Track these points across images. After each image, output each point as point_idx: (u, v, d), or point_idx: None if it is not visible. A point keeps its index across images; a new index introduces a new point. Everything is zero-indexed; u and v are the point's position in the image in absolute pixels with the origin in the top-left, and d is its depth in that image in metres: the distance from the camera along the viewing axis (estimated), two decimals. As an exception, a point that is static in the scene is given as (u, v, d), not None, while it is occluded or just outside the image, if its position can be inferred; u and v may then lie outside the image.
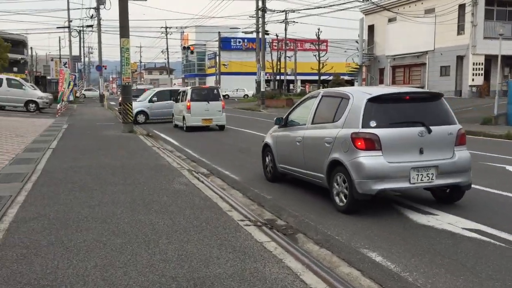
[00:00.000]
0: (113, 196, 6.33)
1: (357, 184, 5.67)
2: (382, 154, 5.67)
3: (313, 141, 6.68)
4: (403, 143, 5.79)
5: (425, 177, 5.76)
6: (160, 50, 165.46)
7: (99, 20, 39.27)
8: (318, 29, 54.20)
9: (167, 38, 74.10)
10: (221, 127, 18.10)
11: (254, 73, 69.67)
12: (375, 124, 5.75)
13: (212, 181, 8.06)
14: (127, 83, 16.14)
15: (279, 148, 7.86)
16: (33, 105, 26.05)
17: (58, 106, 26.38)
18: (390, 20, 36.76)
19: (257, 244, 4.45)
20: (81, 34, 50.84)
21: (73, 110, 31.09)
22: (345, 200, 5.91)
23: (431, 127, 5.80)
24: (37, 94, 26.83)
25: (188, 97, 17.45)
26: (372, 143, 5.67)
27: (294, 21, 58.08)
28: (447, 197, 6.38)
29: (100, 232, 4.70)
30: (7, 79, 26.29)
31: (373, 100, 5.89)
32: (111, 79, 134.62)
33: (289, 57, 60.65)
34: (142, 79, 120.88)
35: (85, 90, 60.83)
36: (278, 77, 57.28)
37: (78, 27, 51.92)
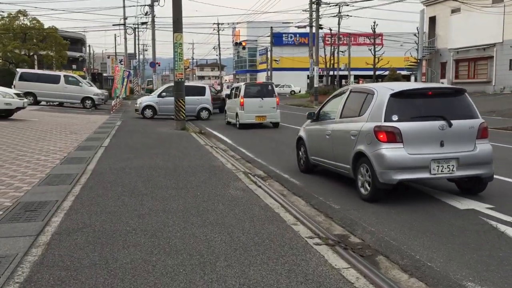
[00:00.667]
0: (164, 203, 5.75)
1: (378, 174, 5.98)
2: (403, 146, 5.95)
3: (341, 134, 7.05)
4: (424, 136, 6.03)
5: (445, 168, 5.99)
6: (211, 46, 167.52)
7: (153, 17, 39.62)
8: (374, 22, 52.30)
9: (218, 34, 74.35)
10: (275, 125, 17.39)
11: (305, 69, 68.69)
12: (397, 118, 6.05)
13: (270, 185, 7.35)
14: (179, 79, 15.74)
15: (311, 141, 8.26)
16: (89, 101, 26.44)
17: (113, 102, 26.66)
18: (453, 11, 34.56)
19: (333, 272, 3.67)
20: (136, 31, 51.73)
21: (127, 106, 31.43)
22: (368, 189, 6.24)
23: (452, 121, 6.03)
24: (93, 90, 27.26)
25: (242, 93, 16.84)
26: (394, 136, 5.97)
27: (347, 15, 56.40)
28: (470, 188, 6.55)
29: (150, 250, 4.09)
30: (64, 76, 26.85)
31: (395, 95, 6.18)
32: (163, 75, 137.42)
33: (342, 52, 58.93)
34: (194, 75, 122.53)
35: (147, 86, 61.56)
36: (331, 73, 55.72)
37: (133, 24, 52.89)
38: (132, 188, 6.53)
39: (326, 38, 61.19)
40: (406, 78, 46.67)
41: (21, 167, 7.89)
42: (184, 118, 15.73)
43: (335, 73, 56.20)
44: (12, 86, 24.51)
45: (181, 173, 7.72)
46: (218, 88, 31.35)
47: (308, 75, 68.59)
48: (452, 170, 6.02)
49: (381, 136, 6.03)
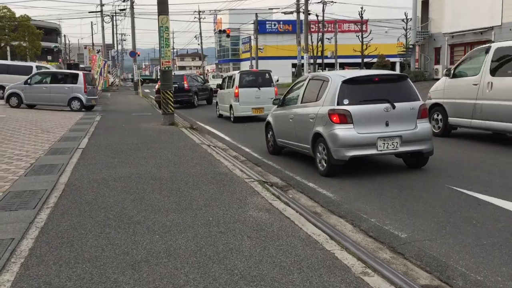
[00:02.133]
0: (166, 237, 4.09)
1: (333, 152, 6.73)
2: (353, 127, 6.68)
3: (301, 118, 7.74)
4: (371, 117, 6.74)
5: (390, 145, 6.75)
6: (192, 35, 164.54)
7: (132, 3, 37.33)
8: (361, 8, 50.81)
9: (200, 22, 72.13)
10: (273, 117, 15.73)
11: (290, 57, 67.14)
12: (348, 102, 6.78)
13: (297, 200, 5.75)
14: (166, 68, 13.93)
15: (277, 125, 8.90)
16: (65, 94, 24.31)
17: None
18: (447, -6, 33.17)
19: None
20: (114, 20, 49.22)
21: (107, 99, 29.38)
22: (325, 165, 6.98)
23: (395, 104, 6.76)
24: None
25: (236, 82, 15.10)
26: (345, 118, 6.69)
27: (332, 1, 54.93)
28: (414, 163, 7.35)
29: None
30: (37, 67, 24.66)
31: (347, 82, 6.92)
32: (144, 66, 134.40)
33: (328, 39, 57.36)
34: (175, 65, 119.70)
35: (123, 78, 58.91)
36: (318, 61, 54.12)
37: (110, 12, 50.35)
38: (119, 212, 4.85)
39: (311, 25, 59.54)
40: (399, 67, 45.54)
41: (-27, 182, 6.12)
42: (173, 112, 13.98)
43: (322, 61, 54.54)
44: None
45: (180, 185, 6.05)
46: (205, 77, 29.39)
47: (293, 64, 67.19)
48: (396, 147, 6.78)
49: (334, 118, 6.73)
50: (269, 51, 72.57)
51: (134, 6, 37.64)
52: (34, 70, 23.77)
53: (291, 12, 42.38)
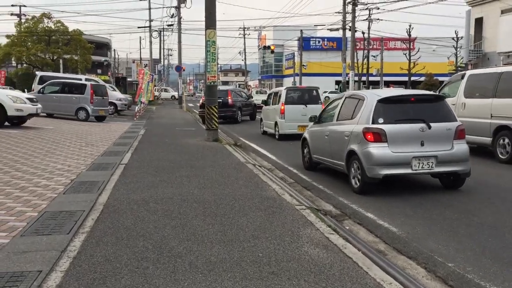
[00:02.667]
0: (211, 276, 3.55)
1: (366, 170, 6.74)
2: (388, 145, 6.71)
3: (337, 135, 7.83)
4: (406, 136, 6.77)
5: (425, 165, 6.74)
6: (236, 51, 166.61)
7: (179, 18, 37.83)
8: (410, 25, 49.53)
9: (244, 38, 72.41)
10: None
11: (333, 74, 66.31)
12: (383, 121, 6.82)
13: (355, 233, 5.10)
14: (212, 83, 13.61)
15: (313, 141, 9.08)
16: (112, 107, 24.61)
17: (136, 108, 24.79)
18: (503, 11, 31.60)
19: None
20: (161, 35, 50.19)
21: (152, 113, 29.61)
22: (358, 183, 7.00)
23: (431, 124, 6.77)
24: (116, 95, 25.45)
25: (282, 99, 14.60)
26: (379, 136, 6.73)
27: (378, 19, 53.86)
28: (451, 183, 7.27)
29: None
30: (86, 80, 25.09)
31: (382, 101, 7.01)
32: (188, 81, 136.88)
33: (374, 56, 56.13)
34: (219, 80, 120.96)
35: (161, 90, 59.70)
36: (363, 78, 52.99)
37: (158, 28, 51.41)
38: (159, 242, 4.36)
39: (357, 43, 58.54)
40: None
41: (9, 199, 5.83)
42: (217, 127, 13.60)
43: (367, 78, 53.30)
44: (32, 90, 22.96)
45: (226, 211, 5.53)
46: (249, 92, 28.93)
47: (336, 81, 66.18)
48: (431, 167, 6.76)
49: (369, 136, 6.79)
50: (313, 67, 72.02)
51: (182, 22, 38.12)
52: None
53: (337, 29, 41.66)
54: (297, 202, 6.14)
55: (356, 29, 40.57)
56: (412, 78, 50.22)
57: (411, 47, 49.78)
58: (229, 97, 21.57)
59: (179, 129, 17.75)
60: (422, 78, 51.54)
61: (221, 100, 19.73)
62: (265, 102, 16.84)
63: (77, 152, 10.31)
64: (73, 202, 5.74)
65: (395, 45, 69.31)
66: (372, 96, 7.21)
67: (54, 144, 11.49)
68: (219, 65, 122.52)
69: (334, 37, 75.61)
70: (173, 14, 39.90)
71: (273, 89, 19.20)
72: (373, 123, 6.83)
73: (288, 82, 75.85)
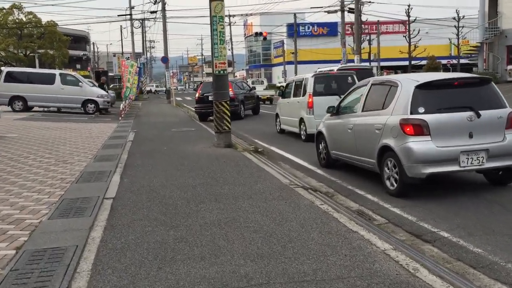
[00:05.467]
0: None
1: (406, 169, 5.85)
2: (431, 139, 5.81)
3: (364, 128, 6.87)
4: (452, 127, 5.90)
5: (475, 160, 5.86)
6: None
7: (163, 4, 34.32)
8: (408, 6, 46.57)
9: (230, 27, 68.84)
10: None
11: (325, 61, 63.22)
12: (424, 110, 5.91)
13: None
14: (221, 71, 10.44)
15: (331, 136, 8.06)
16: (92, 105, 21.23)
17: (121, 106, 21.44)
18: (521, -16, 28.88)
19: None
20: (143, 25, 46.51)
21: (138, 109, 26.30)
22: (395, 184, 6.08)
23: (480, 112, 5.89)
24: (97, 92, 21.93)
25: (309, 89, 11.49)
26: (421, 129, 5.84)
27: (370, 1, 50.87)
28: (499, 179, 6.46)
29: None
30: (60, 74, 21.63)
31: (421, 86, 6.08)
32: (171, 74, 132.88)
33: (368, 40, 53.21)
34: (203, 72, 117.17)
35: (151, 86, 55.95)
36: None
37: (140, 16, 47.78)
38: None
39: (347, 27, 55.49)
40: (460, 68, 41.23)
41: None
42: (229, 129, 10.49)
43: (369, 64, 50.33)
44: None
45: None
46: (251, 84, 25.52)
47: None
48: (482, 162, 5.89)
49: (408, 129, 5.90)
50: (304, 55, 68.95)
51: (166, 8, 34.60)
52: (57, 78, 20.85)
53: (335, 11, 38.59)
54: (408, 273, 3.11)
55: (352, 9, 37.43)
56: (413, 62, 47.39)
57: (403, 30, 46.93)
58: (230, 90, 18.34)
59: (176, 130, 14.56)
60: (423, 62, 49.00)
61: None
62: (282, 94, 13.75)
63: (41, 177, 7.12)
64: (38, 271, 2.63)
65: (387, 29, 66.67)
66: (407, 82, 6.27)
67: (11, 162, 8.27)
68: (203, 56, 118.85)
69: (324, 23, 72.69)
70: (156, 0, 36.36)
71: (292, 77, 16.06)
72: (411, 113, 5.92)
73: (278, 71, 72.71)
